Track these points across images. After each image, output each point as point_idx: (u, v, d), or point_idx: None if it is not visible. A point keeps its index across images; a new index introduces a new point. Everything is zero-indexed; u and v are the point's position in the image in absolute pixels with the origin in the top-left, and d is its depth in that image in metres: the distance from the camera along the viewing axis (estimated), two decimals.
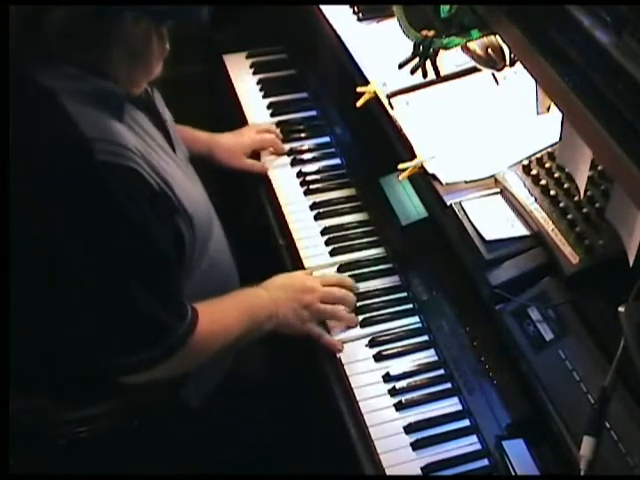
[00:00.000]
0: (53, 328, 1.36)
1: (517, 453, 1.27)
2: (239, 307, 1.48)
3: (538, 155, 1.47)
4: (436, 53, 1.39)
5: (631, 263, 1.20)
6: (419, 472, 1.32)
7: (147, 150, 1.29)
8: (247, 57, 2.08)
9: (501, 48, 1.44)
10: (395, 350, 1.49)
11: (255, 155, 1.84)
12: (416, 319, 1.54)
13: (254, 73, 2.05)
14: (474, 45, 1.44)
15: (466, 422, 1.38)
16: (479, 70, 1.58)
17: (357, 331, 1.52)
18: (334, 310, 1.52)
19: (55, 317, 1.33)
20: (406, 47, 1.42)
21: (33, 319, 1.34)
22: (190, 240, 1.38)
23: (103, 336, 1.34)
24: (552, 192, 1.40)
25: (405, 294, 1.58)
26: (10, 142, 1.20)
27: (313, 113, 1.96)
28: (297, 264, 1.63)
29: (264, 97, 1.99)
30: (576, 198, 1.37)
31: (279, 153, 1.85)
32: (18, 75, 1.22)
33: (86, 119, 1.21)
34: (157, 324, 1.33)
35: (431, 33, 1.35)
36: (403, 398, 1.41)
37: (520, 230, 1.39)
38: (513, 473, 1.25)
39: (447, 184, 1.47)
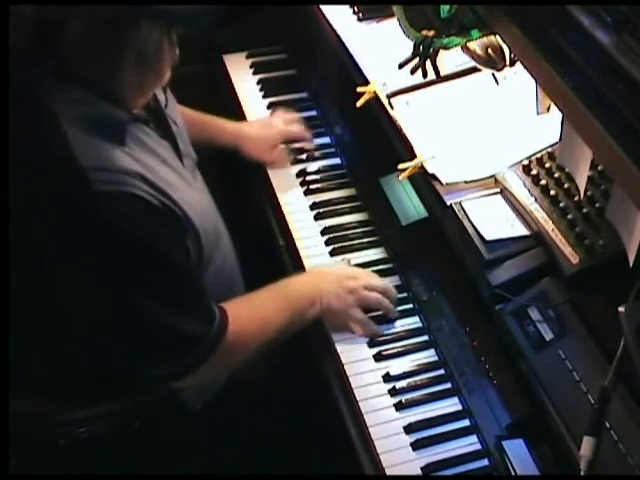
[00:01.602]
0: (58, 337, 1.35)
1: (517, 453, 1.27)
2: (278, 299, 1.48)
3: (538, 155, 1.46)
4: (436, 53, 1.39)
5: (631, 263, 1.20)
6: (419, 472, 1.32)
7: (150, 170, 1.28)
8: (247, 57, 2.08)
9: (501, 48, 1.44)
10: (395, 350, 1.49)
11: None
12: (416, 319, 1.54)
13: (254, 73, 2.05)
14: (474, 45, 1.44)
15: (466, 422, 1.38)
16: (479, 70, 1.58)
17: None
18: (379, 298, 1.52)
19: (65, 331, 1.33)
20: (406, 47, 1.42)
21: (37, 328, 1.34)
22: (196, 253, 1.37)
23: (132, 352, 1.34)
24: (552, 192, 1.40)
25: (405, 294, 1.58)
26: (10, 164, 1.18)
27: (313, 113, 1.96)
28: (297, 264, 1.63)
29: (264, 97, 1.99)
30: (576, 198, 1.37)
31: (307, 148, 1.85)
32: (22, 97, 1.20)
33: (84, 147, 1.20)
34: (184, 336, 1.33)
35: (431, 33, 1.35)
36: (403, 398, 1.41)
37: (520, 230, 1.39)
38: (513, 473, 1.25)
39: (447, 184, 1.47)
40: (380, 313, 1.53)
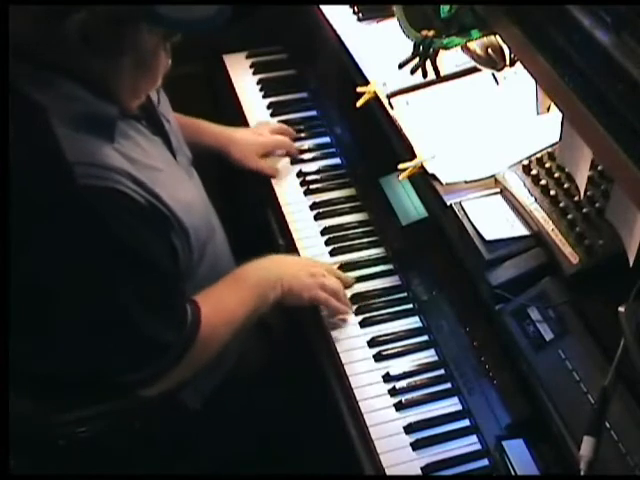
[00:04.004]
0: (52, 339, 1.35)
1: (517, 453, 1.27)
2: (239, 288, 1.49)
3: (538, 155, 1.46)
4: (436, 53, 1.39)
5: (631, 263, 1.20)
6: (419, 472, 1.32)
7: (137, 167, 1.28)
8: (247, 57, 2.08)
9: (501, 48, 1.44)
10: (395, 350, 1.49)
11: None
12: (416, 319, 1.54)
13: (254, 73, 2.04)
14: (474, 45, 1.44)
15: (466, 422, 1.38)
16: (479, 70, 1.57)
17: (357, 331, 1.52)
18: (339, 287, 1.53)
19: (53, 332, 1.32)
20: (406, 47, 1.42)
21: (31, 328, 1.34)
22: (184, 251, 1.37)
23: (104, 356, 1.34)
24: (552, 192, 1.40)
25: (405, 294, 1.58)
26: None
27: (313, 113, 1.96)
28: None
29: (264, 97, 1.98)
30: (576, 198, 1.37)
31: (292, 155, 1.83)
32: (14, 91, 1.20)
33: (72, 143, 1.20)
34: (158, 341, 1.33)
35: (431, 33, 1.34)
36: (403, 398, 1.41)
37: (520, 230, 1.39)
38: (513, 473, 1.25)
39: (447, 184, 1.47)
40: (376, 314, 1.54)
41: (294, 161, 1.84)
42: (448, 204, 1.44)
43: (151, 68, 1.29)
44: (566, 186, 1.40)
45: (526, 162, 1.46)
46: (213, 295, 1.46)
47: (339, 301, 1.53)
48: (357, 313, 1.54)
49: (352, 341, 1.50)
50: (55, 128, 1.19)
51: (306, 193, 1.77)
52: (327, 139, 1.90)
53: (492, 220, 1.41)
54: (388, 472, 1.32)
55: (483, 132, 1.56)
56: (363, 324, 1.53)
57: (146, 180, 1.28)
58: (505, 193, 1.45)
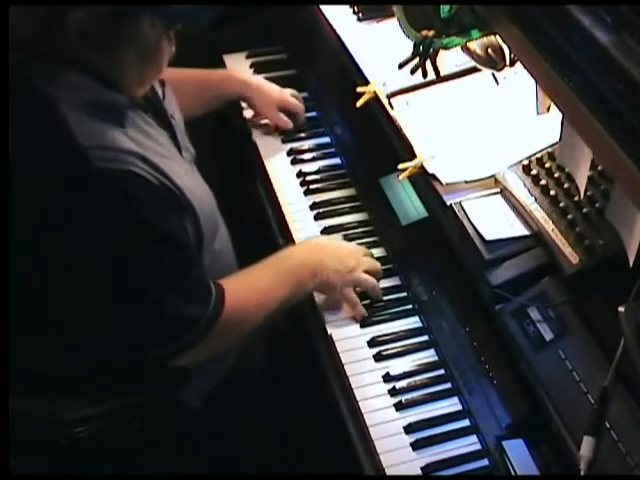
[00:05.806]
0: (60, 331, 1.36)
1: (517, 453, 1.27)
2: (279, 270, 1.50)
3: (538, 155, 1.47)
4: (436, 53, 1.39)
5: (631, 263, 1.20)
6: (419, 472, 1.32)
7: (148, 152, 1.29)
8: (247, 57, 2.08)
9: (501, 48, 1.44)
10: (395, 350, 1.49)
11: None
12: (416, 319, 1.54)
13: (254, 73, 2.04)
14: (474, 45, 1.44)
15: (466, 422, 1.38)
16: (479, 70, 1.58)
17: (357, 331, 1.52)
18: (375, 283, 1.54)
19: (65, 320, 1.33)
20: (406, 47, 1.42)
21: (38, 323, 1.34)
22: (195, 236, 1.38)
23: (125, 333, 1.34)
24: (552, 192, 1.40)
25: (405, 294, 1.58)
26: (10, 153, 1.19)
27: (313, 113, 1.95)
28: None
29: None
30: (576, 198, 1.38)
31: (299, 122, 1.88)
32: (20, 83, 1.22)
33: (84, 128, 1.21)
34: (182, 314, 1.34)
35: (431, 33, 1.35)
36: (403, 398, 1.41)
37: (520, 230, 1.39)
38: (513, 473, 1.25)
39: (447, 184, 1.47)
40: (376, 314, 1.54)
41: (294, 161, 1.84)
42: (448, 204, 1.44)
43: (155, 58, 1.30)
44: (566, 186, 1.40)
45: (526, 162, 1.46)
46: (250, 274, 1.48)
47: (373, 291, 1.55)
48: None
49: (352, 341, 1.50)
50: (66, 115, 1.21)
51: (306, 193, 1.77)
52: (327, 139, 1.90)
53: (492, 220, 1.41)
54: (388, 472, 1.32)
55: (483, 132, 1.56)
56: (363, 324, 1.53)
57: (158, 163, 1.29)
58: (505, 193, 1.46)
